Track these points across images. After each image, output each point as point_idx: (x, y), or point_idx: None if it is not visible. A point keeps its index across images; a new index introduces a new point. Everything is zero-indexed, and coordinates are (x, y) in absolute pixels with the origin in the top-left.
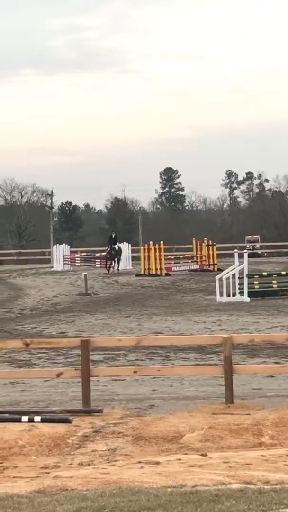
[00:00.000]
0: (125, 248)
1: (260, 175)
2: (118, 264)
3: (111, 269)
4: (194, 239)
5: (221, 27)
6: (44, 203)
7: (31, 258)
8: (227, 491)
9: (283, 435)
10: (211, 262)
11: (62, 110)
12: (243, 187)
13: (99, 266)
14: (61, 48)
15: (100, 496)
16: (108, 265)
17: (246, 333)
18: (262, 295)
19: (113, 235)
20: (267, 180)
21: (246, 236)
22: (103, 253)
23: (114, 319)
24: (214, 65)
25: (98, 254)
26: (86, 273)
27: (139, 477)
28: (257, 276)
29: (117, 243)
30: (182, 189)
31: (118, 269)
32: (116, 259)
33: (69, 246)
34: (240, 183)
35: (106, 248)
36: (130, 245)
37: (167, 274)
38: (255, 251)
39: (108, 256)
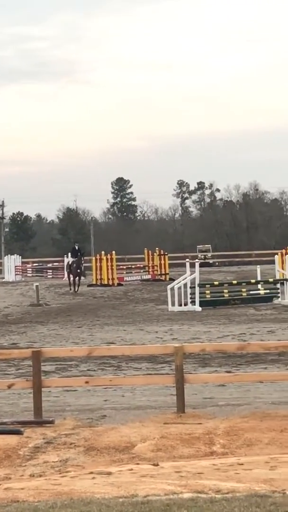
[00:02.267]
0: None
1: (211, 185)
2: (79, 280)
3: (77, 286)
4: (146, 249)
5: (176, 36)
6: None
7: None
8: (178, 500)
9: (234, 444)
10: (163, 272)
11: (13, 120)
12: (194, 197)
13: (50, 276)
14: (12, 58)
15: (52, 508)
16: (73, 281)
17: (198, 342)
18: (213, 305)
19: (77, 247)
20: (218, 190)
21: (198, 246)
22: (55, 264)
23: (66, 330)
24: (167, 74)
25: (50, 265)
26: (37, 284)
27: (90, 488)
28: (208, 286)
29: (81, 256)
30: (134, 199)
31: (76, 290)
32: (79, 274)
33: (20, 256)
34: (191, 193)
35: (71, 263)
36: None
37: (119, 284)
38: (206, 260)
39: (77, 271)
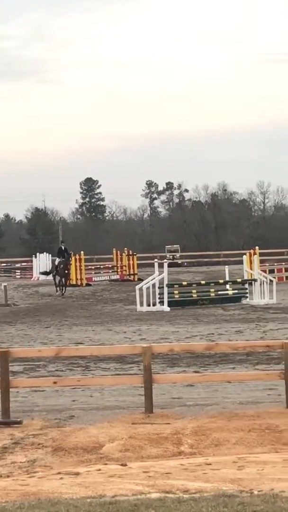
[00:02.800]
0: (45, 258)
1: (180, 185)
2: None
3: (64, 288)
4: (114, 249)
5: (146, 37)
6: None
7: None
8: (146, 500)
9: (202, 444)
10: (132, 272)
11: None
12: (163, 197)
13: (19, 276)
14: None
15: (19, 508)
16: (59, 282)
17: (166, 342)
18: (182, 305)
19: (63, 247)
20: (186, 190)
21: (166, 246)
22: (23, 264)
23: (34, 330)
24: (137, 74)
25: (18, 265)
26: (6, 284)
27: (58, 488)
28: (177, 286)
29: (69, 256)
30: (103, 199)
31: (63, 292)
32: (66, 276)
33: None
34: (160, 193)
35: (58, 263)
36: (50, 255)
37: (87, 284)
38: (175, 260)
39: (64, 272)
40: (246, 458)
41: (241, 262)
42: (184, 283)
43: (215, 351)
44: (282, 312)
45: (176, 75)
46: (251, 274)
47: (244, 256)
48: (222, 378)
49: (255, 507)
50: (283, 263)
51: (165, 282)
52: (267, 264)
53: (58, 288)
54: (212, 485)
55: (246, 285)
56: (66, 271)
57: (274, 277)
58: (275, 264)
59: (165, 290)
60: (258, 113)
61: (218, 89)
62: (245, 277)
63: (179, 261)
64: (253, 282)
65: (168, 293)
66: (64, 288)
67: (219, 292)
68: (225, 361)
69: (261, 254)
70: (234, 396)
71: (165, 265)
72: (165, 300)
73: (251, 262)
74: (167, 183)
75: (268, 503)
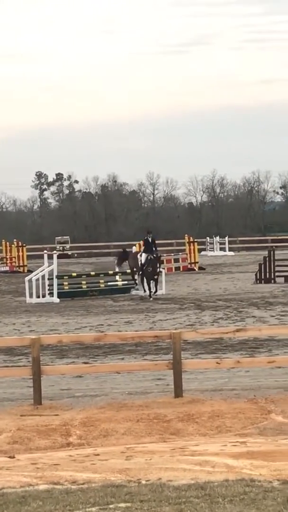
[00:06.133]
0: None
1: (69, 176)
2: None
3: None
4: (3, 240)
5: (37, 26)
6: None
7: None
8: (34, 492)
9: (91, 435)
10: (21, 264)
11: None
12: (53, 188)
13: None
14: None
15: None
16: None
17: (56, 334)
18: (71, 296)
19: (150, 238)
20: (76, 182)
21: (56, 237)
22: None
23: None
24: (25, 64)
25: None
26: None
27: None
28: (66, 277)
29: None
30: None
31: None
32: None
33: None
34: (50, 184)
35: (143, 261)
36: None
37: None
38: (65, 252)
39: (153, 273)
40: (134, 448)
41: None
42: (74, 274)
43: (104, 342)
44: (171, 303)
45: (67, 64)
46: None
47: (134, 247)
48: (111, 369)
49: (142, 496)
50: (172, 254)
51: (55, 273)
52: None
53: (146, 289)
54: (100, 476)
55: (136, 276)
56: (154, 271)
57: (163, 268)
58: (164, 255)
59: (55, 281)
60: (145, 104)
61: (111, 78)
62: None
63: (69, 252)
64: None
65: (58, 285)
66: (155, 290)
67: (109, 283)
68: (114, 352)
69: None
70: (123, 387)
71: (55, 256)
72: (55, 291)
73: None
74: (57, 174)
75: (156, 492)
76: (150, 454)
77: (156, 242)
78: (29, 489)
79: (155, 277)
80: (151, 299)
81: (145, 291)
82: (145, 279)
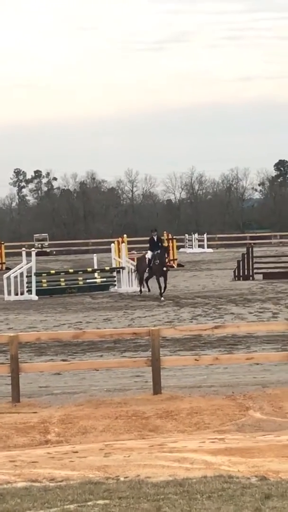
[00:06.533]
0: None
1: (48, 174)
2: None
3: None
4: None
5: (14, 22)
6: None
7: None
8: (12, 490)
9: (69, 432)
10: None
11: None
12: (31, 185)
13: None
14: None
15: None
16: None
17: (34, 331)
18: (50, 293)
19: (155, 237)
20: (55, 179)
21: (35, 235)
22: None
23: None
24: (2, 60)
25: None
26: None
27: None
28: (45, 274)
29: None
30: None
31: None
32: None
33: None
34: (28, 181)
35: (150, 258)
36: None
37: None
38: (43, 249)
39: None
40: (113, 445)
41: (109, 250)
42: (52, 271)
43: (83, 339)
44: (149, 300)
45: (46, 61)
46: (119, 262)
47: (113, 244)
48: (89, 366)
49: (120, 493)
50: None
51: (33, 270)
52: (135, 252)
53: (142, 286)
54: (79, 473)
55: (114, 273)
56: (162, 263)
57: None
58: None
59: (33, 278)
60: (124, 101)
61: (85, 76)
62: (113, 265)
63: (48, 250)
64: (121, 270)
65: (36, 282)
66: (164, 288)
67: (88, 280)
68: (93, 349)
69: (129, 242)
70: (101, 384)
71: (33, 253)
72: (33, 289)
73: (119, 250)
74: (36, 171)
75: (134, 489)
76: (128, 451)
77: (134, 239)
78: (7, 487)
79: (164, 269)
80: (162, 298)
81: (140, 291)
82: (145, 278)
